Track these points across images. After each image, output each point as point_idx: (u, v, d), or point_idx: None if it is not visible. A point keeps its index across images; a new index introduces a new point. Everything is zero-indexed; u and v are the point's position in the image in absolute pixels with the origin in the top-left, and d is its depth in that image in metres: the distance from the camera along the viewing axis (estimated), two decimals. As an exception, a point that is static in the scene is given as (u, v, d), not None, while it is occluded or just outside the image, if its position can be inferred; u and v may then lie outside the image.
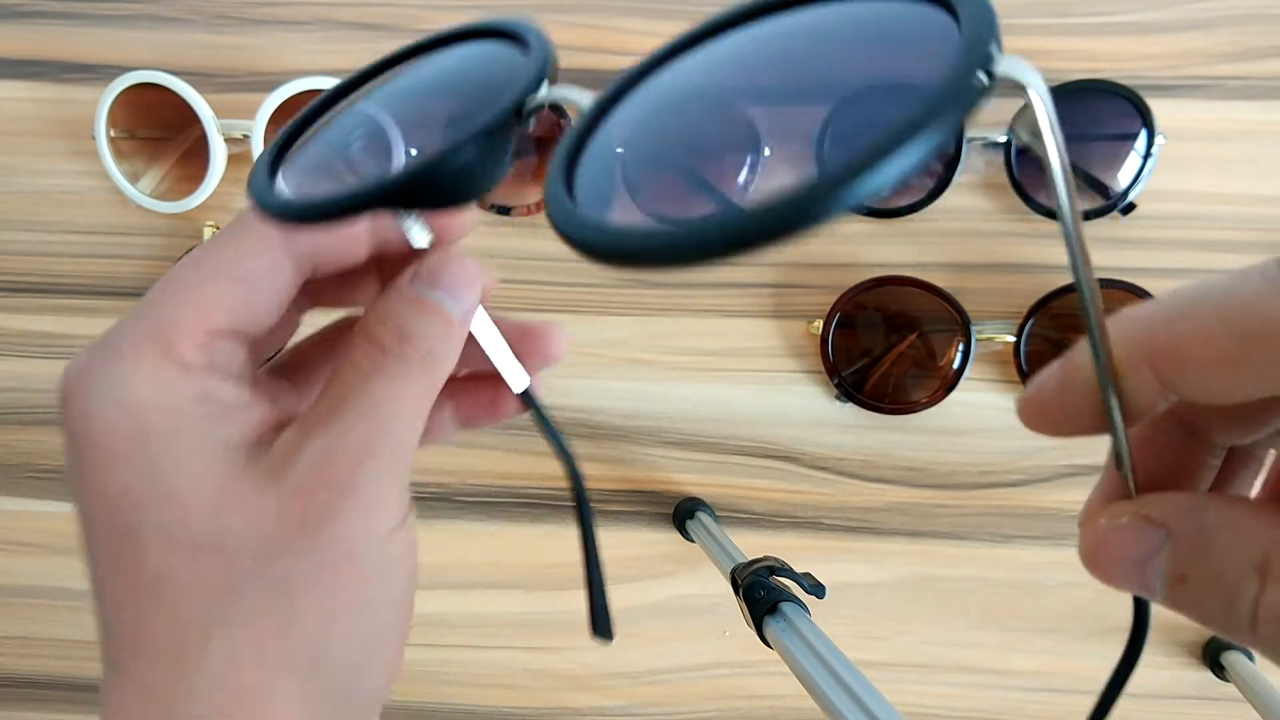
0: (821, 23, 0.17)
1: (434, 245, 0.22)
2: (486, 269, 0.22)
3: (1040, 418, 0.17)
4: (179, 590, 0.18)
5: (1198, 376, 0.14)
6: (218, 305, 0.20)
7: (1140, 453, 0.18)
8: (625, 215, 0.16)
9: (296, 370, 0.24)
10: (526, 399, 0.24)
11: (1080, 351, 0.16)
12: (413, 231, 0.22)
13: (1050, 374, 0.17)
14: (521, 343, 0.24)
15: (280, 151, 0.21)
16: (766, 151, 0.47)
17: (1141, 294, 0.46)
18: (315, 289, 0.23)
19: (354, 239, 0.22)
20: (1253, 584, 0.14)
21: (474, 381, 0.25)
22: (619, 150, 0.17)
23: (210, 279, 0.20)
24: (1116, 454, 0.16)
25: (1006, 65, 0.14)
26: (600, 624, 0.20)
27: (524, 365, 0.24)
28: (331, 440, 0.19)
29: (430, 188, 0.17)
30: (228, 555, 0.18)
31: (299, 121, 0.21)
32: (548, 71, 0.18)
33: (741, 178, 0.47)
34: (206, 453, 0.19)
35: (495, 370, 0.23)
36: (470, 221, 0.23)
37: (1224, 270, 0.15)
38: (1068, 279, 0.48)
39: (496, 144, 0.18)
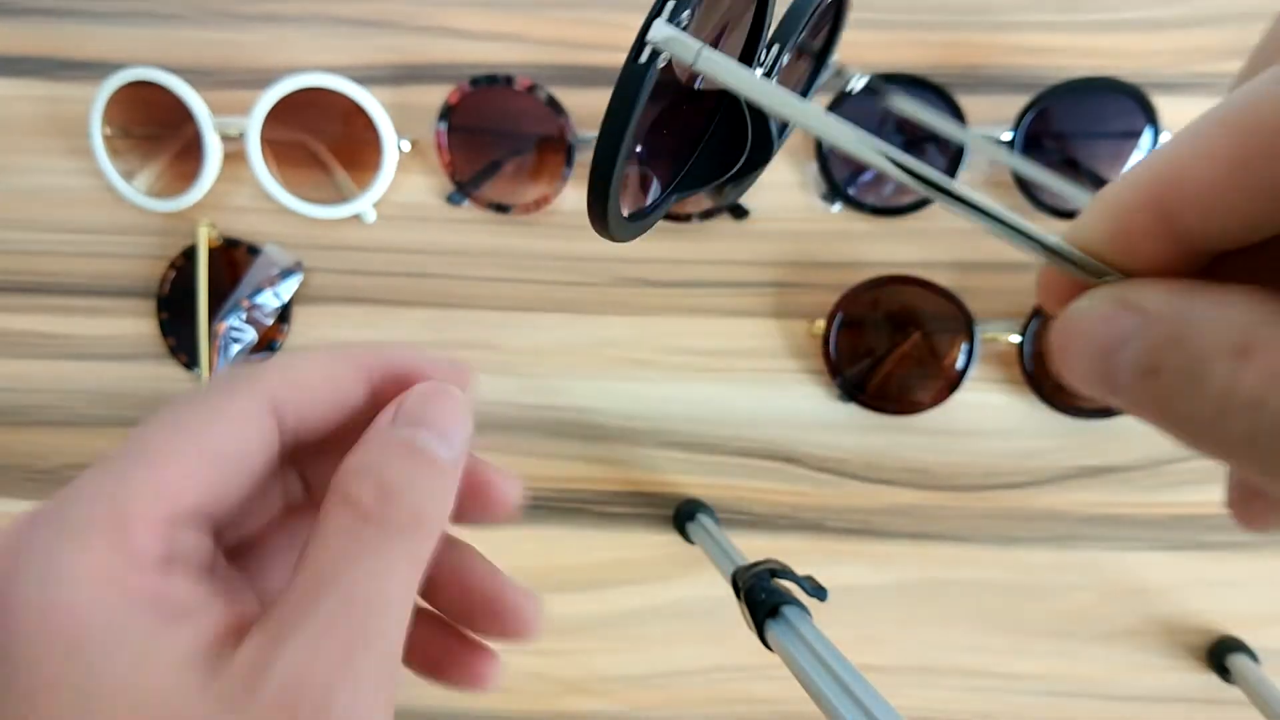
0: None
1: (428, 379, 0.20)
2: (472, 392, 0.20)
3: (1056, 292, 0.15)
4: None
5: (1204, 202, 0.13)
6: (187, 483, 0.17)
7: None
8: None
9: (256, 550, 0.21)
10: None
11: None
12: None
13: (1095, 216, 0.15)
14: (467, 492, 0.20)
15: None
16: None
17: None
18: (303, 457, 0.20)
19: (345, 381, 0.20)
20: (1226, 368, 0.12)
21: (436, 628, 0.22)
22: None
23: (181, 449, 0.18)
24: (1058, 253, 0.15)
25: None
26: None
27: (467, 515, 0.21)
28: (303, 653, 0.16)
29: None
30: None
31: None
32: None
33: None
34: (154, 672, 0.15)
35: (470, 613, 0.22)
36: (468, 374, 0.21)
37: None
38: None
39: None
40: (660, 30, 0.17)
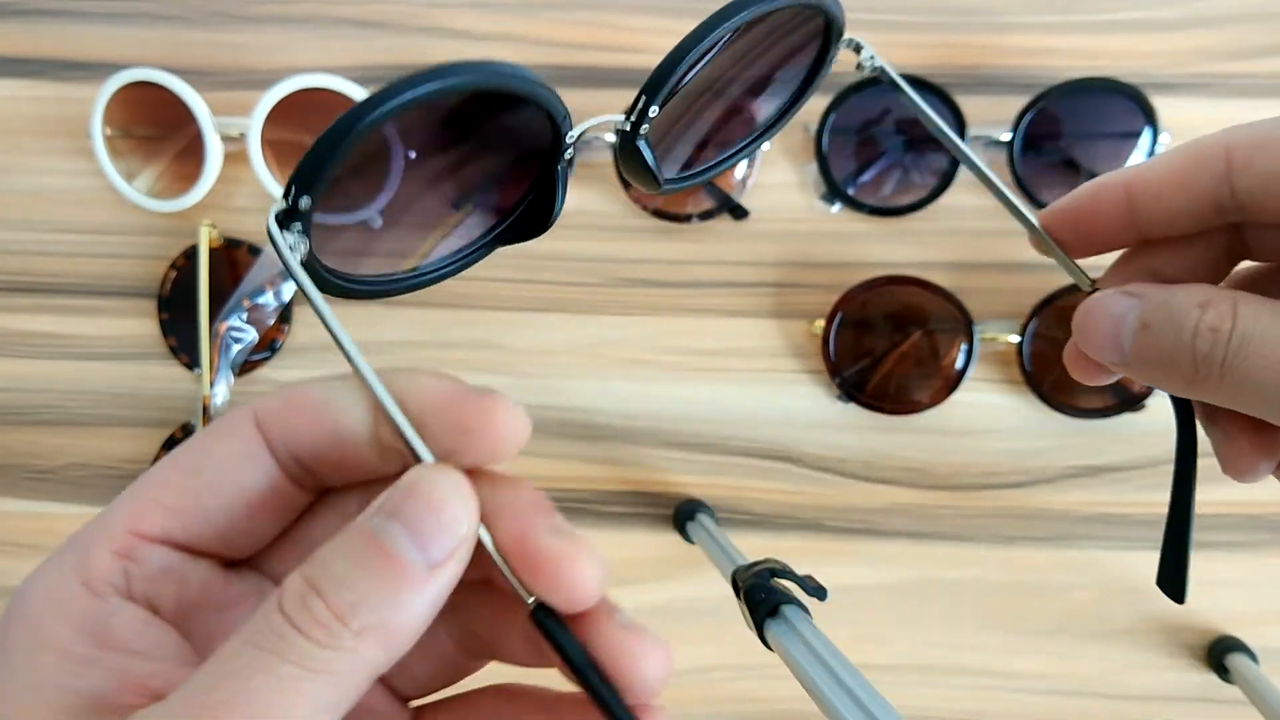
0: None
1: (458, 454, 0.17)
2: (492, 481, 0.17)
3: (1067, 225, 0.23)
4: None
5: (1156, 193, 0.22)
6: (155, 501, 0.16)
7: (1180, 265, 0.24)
8: None
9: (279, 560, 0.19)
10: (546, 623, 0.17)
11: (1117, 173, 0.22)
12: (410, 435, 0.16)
13: (1083, 188, 0.23)
14: (453, 423, 0.17)
15: None
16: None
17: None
18: (325, 472, 0.18)
19: (349, 428, 0.17)
20: (1195, 314, 0.20)
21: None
22: None
23: (157, 474, 0.17)
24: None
25: None
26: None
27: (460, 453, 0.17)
28: None
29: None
30: None
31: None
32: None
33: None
34: (43, 707, 0.15)
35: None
36: (516, 434, 0.17)
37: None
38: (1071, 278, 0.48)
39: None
40: (273, 229, 0.16)
